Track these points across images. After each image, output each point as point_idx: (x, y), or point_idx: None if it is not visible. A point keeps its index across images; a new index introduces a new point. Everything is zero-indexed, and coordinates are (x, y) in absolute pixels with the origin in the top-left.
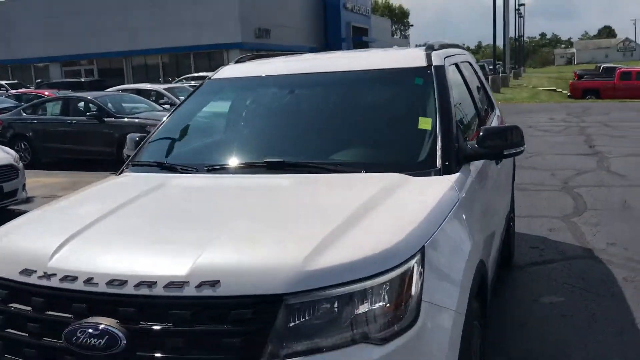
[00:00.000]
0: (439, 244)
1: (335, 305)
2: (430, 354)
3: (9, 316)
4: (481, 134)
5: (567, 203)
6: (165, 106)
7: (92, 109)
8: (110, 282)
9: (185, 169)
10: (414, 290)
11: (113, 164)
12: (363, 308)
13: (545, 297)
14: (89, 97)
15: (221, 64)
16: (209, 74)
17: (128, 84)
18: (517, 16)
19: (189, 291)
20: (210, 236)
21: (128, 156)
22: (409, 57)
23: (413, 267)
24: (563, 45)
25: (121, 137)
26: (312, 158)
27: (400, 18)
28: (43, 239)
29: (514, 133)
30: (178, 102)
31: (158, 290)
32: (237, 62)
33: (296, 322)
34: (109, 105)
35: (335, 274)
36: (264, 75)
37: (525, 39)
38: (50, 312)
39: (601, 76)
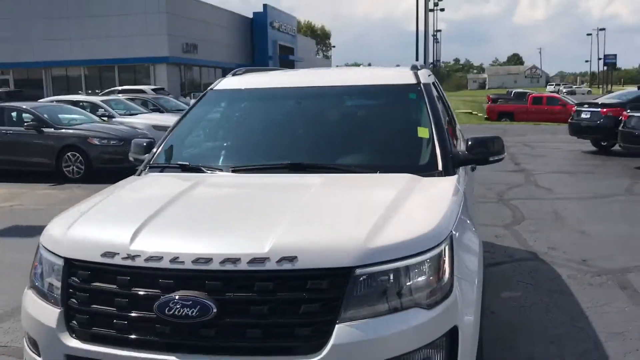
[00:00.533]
0: (459, 230)
1: (392, 276)
2: (463, 315)
3: (92, 294)
4: (470, 143)
5: (506, 213)
6: (103, 118)
7: (27, 120)
8: (196, 260)
9: (211, 170)
10: (447, 266)
11: (51, 175)
12: (413, 279)
13: (505, 292)
14: (24, 107)
15: (147, 77)
16: (141, 86)
17: (48, 95)
18: (434, 41)
19: (271, 265)
20: (278, 220)
21: (136, 159)
22: (399, 75)
23: (446, 248)
24: (475, 71)
25: (63, 148)
26: (326, 161)
27: (322, 39)
28: (116, 227)
29: (496, 143)
30: (115, 113)
31: (242, 266)
32: (234, 74)
33: (362, 291)
34: (46, 115)
35: (392, 251)
36: (270, 86)
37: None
38: (136, 289)
39: (513, 100)
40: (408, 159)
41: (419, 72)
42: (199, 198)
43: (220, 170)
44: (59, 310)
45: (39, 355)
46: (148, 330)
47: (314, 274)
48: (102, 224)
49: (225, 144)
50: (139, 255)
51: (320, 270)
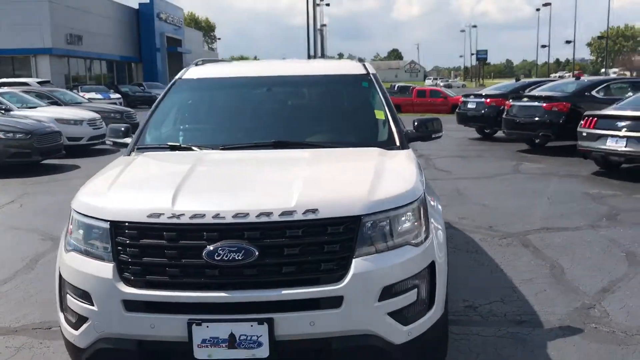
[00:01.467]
0: (426, 189)
1: (389, 222)
2: (437, 253)
3: (142, 249)
4: (416, 123)
5: None
6: (0, 111)
7: None
8: (235, 215)
9: (201, 149)
10: (424, 215)
11: None
12: (403, 224)
13: None
14: None
15: (28, 69)
16: (25, 79)
17: None
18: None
19: (298, 217)
20: (294, 182)
21: (115, 143)
22: (351, 66)
23: (422, 201)
24: None
25: None
26: (304, 139)
27: (207, 31)
28: (153, 192)
29: (436, 123)
30: (13, 107)
31: (275, 218)
32: (196, 64)
33: (369, 233)
34: None
35: (388, 203)
36: (238, 75)
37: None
38: (184, 242)
39: (397, 93)
40: (372, 136)
41: (366, 64)
42: (213, 168)
43: (211, 148)
44: (112, 265)
45: (93, 305)
46: (198, 274)
47: (332, 222)
48: (137, 191)
49: (206, 127)
50: (183, 214)
51: (337, 219)
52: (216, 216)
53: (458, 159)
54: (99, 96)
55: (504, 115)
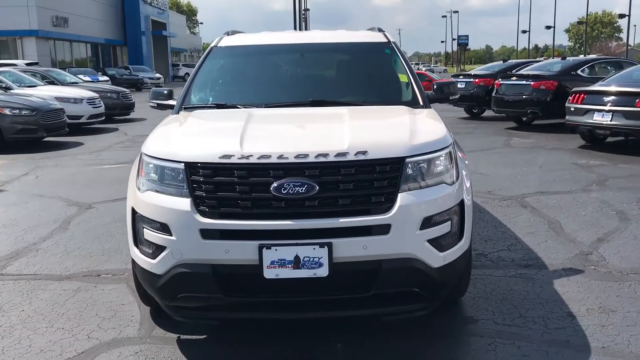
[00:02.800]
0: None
1: (427, 164)
2: (466, 194)
3: (216, 185)
4: (435, 86)
5: None
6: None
7: None
8: (297, 156)
9: (246, 106)
10: (454, 160)
11: None
12: (439, 166)
13: None
14: None
15: (14, 51)
16: (14, 61)
17: None
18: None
19: (350, 157)
20: (343, 129)
21: (159, 105)
22: (373, 35)
23: (453, 147)
24: None
25: None
26: (338, 98)
27: (189, 15)
28: (221, 138)
29: (452, 86)
30: (13, 85)
31: (331, 158)
32: (228, 34)
33: (411, 172)
34: None
35: (426, 147)
36: (272, 43)
37: None
38: (253, 179)
39: None
40: (397, 96)
41: (386, 34)
42: (267, 119)
43: (255, 106)
44: (189, 200)
45: (171, 235)
46: (267, 206)
47: (380, 162)
48: (205, 137)
49: (246, 88)
50: (251, 155)
51: (384, 160)
52: (280, 157)
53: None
54: (87, 78)
55: (493, 94)
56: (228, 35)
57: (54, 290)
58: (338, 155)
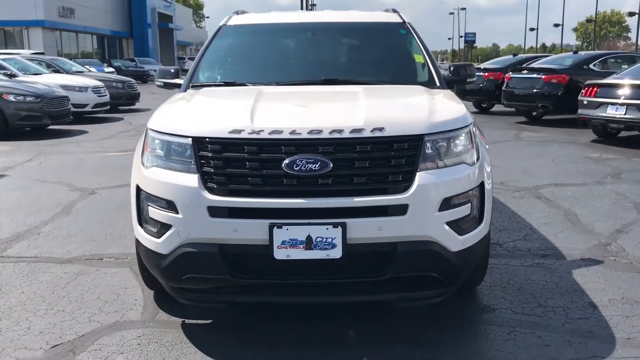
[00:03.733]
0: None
1: (447, 142)
2: (486, 171)
3: (226, 161)
4: (452, 68)
5: None
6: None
7: None
8: (310, 132)
9: (255, 85)
10: (475, 139)
11: None
12: (459, 145)
13: None
14: None
15: (20, 41)
16: (19, 51)
17: None
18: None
19: (366, 133)
20: (359, 105)
21: (165, 84)
22: (387, 16)
23: (472, 127)
24: None
25: None
26: (352, 77)
27: (195, 9)
28: (231, 113)
29: (468, 68)
30: (18, 73)
31: (346, 134)
32: (237, 13)
33: (430, 151)
34: None
35: (445, 125)
36: (283, 21)
37: None
38: (264, 155)
39: None
40: (414, 76)
41: (401, 14)
42: (278, 96)
43: (266, 85)
44: (196, 176)
45: (177, 213)
46: (278, 183)
47: (398, 139)
48: (213, 112)
49: (256, 67)
50: (262, 130)
51: (401, 137)
52: (293, 132)
53: None
54: (93, 69)
55: (503, 88)
56: (237, 14)
57: (55, 273)
58: (353, 131)
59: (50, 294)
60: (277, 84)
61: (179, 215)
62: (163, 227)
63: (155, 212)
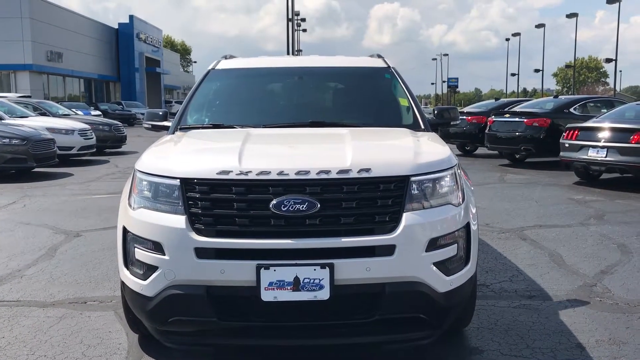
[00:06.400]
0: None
1: (432, 183)
2: (471, 212)
3: (213, 202)
4: (436, 111)
5: None
6: None
7: None
8: (298, 172)
9: (243, 127)
10: (459, 181)
11: None
12: (444, 186)
13: None
14: None
15: (7, 85)
16: (5, 94)
17: None
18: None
19: (353, 174)
20: (345, 148)
21: (153, 126)
22: (372, 60)
23: (458, 169)
24: None
25: None
26: (338, 120)
27: (183, 54)
28: (219, 154)
29: (452, 111)
30: (5, 115)
31: (333, 175)
32: (226, 58)
33: (416, 192)
34: None
35: (431, 166)
36: (270, 66)
37: None
38: (252, 195)
39: None
40: (399, 119)
41: (385, 59)
42: (266, 137)
43: (254, 127)
44: (184, 217)
45: (164, 254)
46: (266, 224)
47: (384, 180)
48: (201, 154)
49: (244, 109)
50: (250, 171)
51: (388, 178)
52: (280, 173)
53: None
54: (79, 112)
55: (486, 131)
56: (226, 58)
57: (37, 317)
58: (340, 172)
59: (32, 339)
60: (265, 126)
61: (166, 257)
62: (149, 269)
63: (141, 254)
